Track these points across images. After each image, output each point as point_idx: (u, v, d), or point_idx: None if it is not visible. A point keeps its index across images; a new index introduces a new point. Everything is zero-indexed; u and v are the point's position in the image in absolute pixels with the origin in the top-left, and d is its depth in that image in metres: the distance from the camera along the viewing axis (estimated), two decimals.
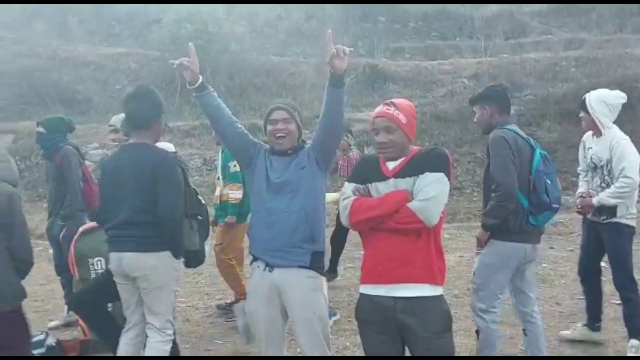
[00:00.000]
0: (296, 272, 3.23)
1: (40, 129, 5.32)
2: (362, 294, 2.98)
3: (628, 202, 4.46)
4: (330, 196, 4.54)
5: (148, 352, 3.59)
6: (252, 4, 19.10)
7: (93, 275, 4.65)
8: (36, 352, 4.32)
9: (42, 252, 7.42)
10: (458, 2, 19.34)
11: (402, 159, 2.90)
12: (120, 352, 3.65)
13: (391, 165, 2.92)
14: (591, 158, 4.59)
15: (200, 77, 3.28)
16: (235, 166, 5.35)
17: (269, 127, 3.33)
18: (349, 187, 2.98)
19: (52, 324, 5.55)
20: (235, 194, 5.45)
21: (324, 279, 3.38)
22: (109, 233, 3.64)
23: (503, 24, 18.36)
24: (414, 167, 2.85)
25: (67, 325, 5.48)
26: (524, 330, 4.09)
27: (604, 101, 4.47)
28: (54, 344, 4.41)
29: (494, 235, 3.87)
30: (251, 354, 4.67)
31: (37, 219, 9.59)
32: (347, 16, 19.16)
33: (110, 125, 5.07)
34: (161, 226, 3.52)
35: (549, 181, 3.83)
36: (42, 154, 5.63)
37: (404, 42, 18.79)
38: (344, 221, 2.97)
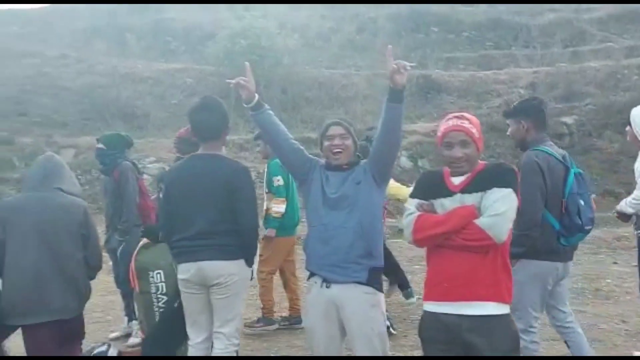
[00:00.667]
0: (354, 288, 3.19)
1: (100, 145, 5.45)
2: (426, 312, 2.90)
3: None
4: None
5: None
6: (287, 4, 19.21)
7: (153, 289, 4.71)
8: None
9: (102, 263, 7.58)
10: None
11: (468, 174, 2.82)
12: None
13: (457, 180, 2.83)
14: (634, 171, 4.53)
15: (257, 95, 3.30)
16: (279, 180, 5.41)
17: (326, 143, 3.31)
18: (412, 203, 2.90)
19: (113, 335, 5.66)
20: (277, 207, 5.49)
21: (382, 295, 3.33)
22: (181, 244, 3.58)
23: (561, 32, 17.93)
24: (481, 183, 2.77)
25: (127, 336, 5.57)
26: (566, 342, 3.98)
27: None
28: (115, 355, 4.47)
29: (523, 254, 3.72)
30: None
31: (99, 230, 9.84)
32: (398, 28, 19.11)
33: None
34: (243, 235, 3.59)
35: (582, 202, 3.71)
36: (101, 169, 5.71)
37: (457, 52, 18.58)
38: (408, 237, 2.90)
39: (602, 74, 15.15)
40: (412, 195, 2.95)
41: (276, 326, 5.62)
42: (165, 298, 4.79)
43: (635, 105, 4.53)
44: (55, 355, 3.50)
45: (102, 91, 16.65)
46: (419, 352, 4.87)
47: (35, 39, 20.41)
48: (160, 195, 4.37)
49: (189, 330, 3.67)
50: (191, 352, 3.65)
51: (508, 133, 4.03)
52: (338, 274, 3.19)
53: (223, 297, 3.61)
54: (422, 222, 2.80)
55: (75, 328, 3.65)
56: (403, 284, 6.22)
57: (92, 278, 3.77)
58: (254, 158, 14.63)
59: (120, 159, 5.40)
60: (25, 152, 14.53)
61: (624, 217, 4.51)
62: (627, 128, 4.53)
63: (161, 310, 4.71)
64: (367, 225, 3.21)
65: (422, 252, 8.19)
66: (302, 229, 5.62)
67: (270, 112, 3.35)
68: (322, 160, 3.41)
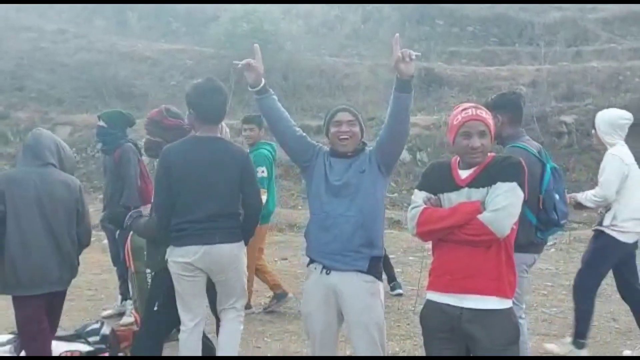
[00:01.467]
0: (354, 277, 3.15)
1: (101, 123, 5.32)
2: (428, 300, 2.89)
3: (615, 212, 4.46)
4: None
5: (230, 330, 3.67)
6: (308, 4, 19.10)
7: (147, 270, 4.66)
8: (91, 339, 4.37)
9: (95, 242, 7.50)
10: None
11: (476, 167, 2.78)
12: (193, 347, 3.60)
13: (464, 173, 2.80)
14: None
15: (263, 80, 3.24)
16: (263, 172, 5.43)
17: (333, 129, 3.25)
18: (419, 195, 2.88)
19: (106, 312, 5.61)
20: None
21: (381, 284, 3.29)
22: (185, 226, 3.49)
23: (565, 31, 17.84)
24: (488, 177, 2.74)
25: (120, 314, 5.52)
26: None
27: (609, 122, 4.56)
28: (107, 333, 4.44)
29: None
30: (300, 354, 4.59)
31: (91, 209, 9.71)
32: (403, 19, 18.95)
33: None
34: (249, 217, 3.67)
35: (557, 196, 3.77)
36: (101, 148, 5.58)
37: (461, 47, 18.46)
38: (411, 230, 2.88)
39: (603, 75, 15.10)
40: (419, 187, 2.93)
41: (290, 295, 5.80)
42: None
43: (636, 107, 4.61)
44: (45, 324, 3.72)
45: (100, 69, 16.47)
46: (410, 342, 4.89)
47: (34, 12, 20.15)
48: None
49: (182, 314, 3.58)
50: (184, 338, 3.58)
51: None
52: (339, 261, 3.15)
53: (233, 280, 3.64)
54: (426, 216, 2.79)
55: (61, 299, 3.91)
56: (390, 277, 6.37)
57: (79, 254, 3.95)
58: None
59: (123, 139, 5.31)
60: (20, 128, 14.42)
61: (580, 207, 4.62)
62: (593, 131, 4.72)
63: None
64: (369, 214, 3.17)
65: (417, 244, 8.24)
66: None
67: (275, 97, 3.31)
68: (326, 147, 3.36)
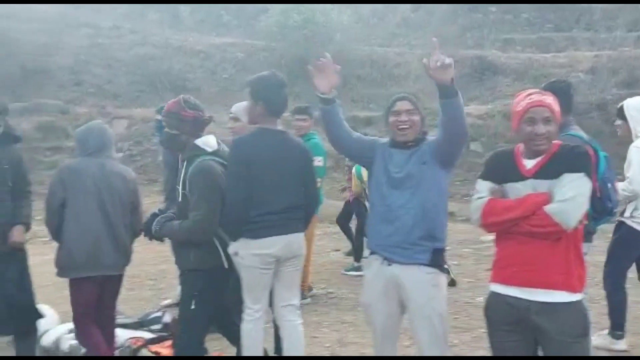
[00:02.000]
0: (415, 268, 3.10)
1: (160, 117, 5.37)
2: (493, 292, 2.81)
3: (637, 203, 4.43)
4: None
5: (296, 335, 3.64)
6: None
7: None
8: (153, 327, 4.46)
9: None
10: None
11: (541, 157, 2.69)
12: (259, 336, 3.59)
13: (529, 163, 2.71)
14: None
15: (334, 90, 3.23)
16: (320, 161, 5.41)
17: (392, 118, 3.18)
18: (483, 185, 2.79)
19: (165, 302, 5.71)
20: None
21: (444, 275, 3.23)
22: (265, 218, 3.45)
23: (624, 15, 17.18)
24: (554, 168, 2.64)
25: (179, 303, 5.60)
26: None
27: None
28: (169, 321, 4.52)
29: None
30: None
31: (148, 201, 9.95)
32: (455, 7, 18.62)
33: (230, 114, 5.08)
34: (310, 208, 3.72)
35: (609, 185, 3.73)
36: (160, 141, 5.65)
37: (515, 34, 18.00)
38: (476, 222, 2.81)
39: None
40: (483, 177, 2.84)
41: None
42: None
43: None
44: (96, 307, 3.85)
45: (154, 63, 16.80)
46: (468, 334, 4.80)
47: (90, 9, 20.69)
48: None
49: (251, 304, 3.55)
50: (249, 328, 3.55)
51: None
52: (400, 255, 3.12)
53: (297, 269, 3.68)
54: (491, 207, 2.71)
55: (116, 286, 4.00)
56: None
57: (132, 243, 4.08)
58: None
59: None
60: (79, 122, 14.80)
61: None
62: (618, 122, 4.59)
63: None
64: (431, 207, 3.11)
65: (474, 235, 8.06)
66: None
67: (341, 106, 3.31)
68: (382, 139, 3.33)
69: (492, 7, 18.84)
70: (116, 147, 4.17)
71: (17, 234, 4.00)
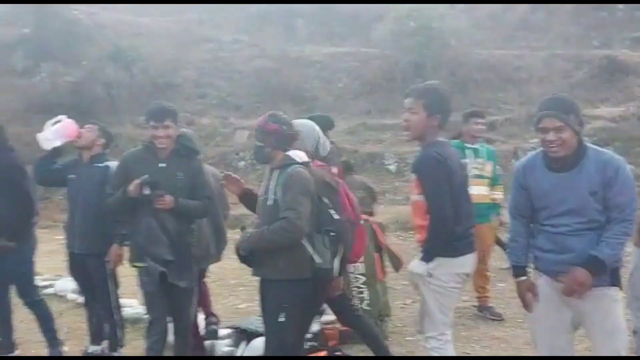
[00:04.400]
0: (594, 289, 2.93)
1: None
2: None
3: None
4: None
5: None
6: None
7: (351, 269, 4.79)
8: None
9: None
10: None
11: None
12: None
13: None
14: None
15: None
16: (498, 168, 5.51)
17: (540, 135, 3.00)
18: None
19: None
20: (499, 194, 5.62)
21: (619, 289, 3.05)
22: (469, 233, 3.39)
23: None
24: None
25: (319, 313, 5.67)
26: (634, 331, 3.77)
27: None
28: (317, 331, 4.58)
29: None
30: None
31: None
32: (578, 6, 17.75)
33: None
34: None
35: None
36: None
37: None
38: None
39: None
40: None
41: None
42: (363, 278, 4.86)
43: None
44: None
45: (273, 75, 17.28)
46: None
47: (212, 24, 21.66)
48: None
49: (445, 330, 3.35)
50: (448, 349, 3.37)
51: None
52: None
53: None
54: None
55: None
56: None
57: None
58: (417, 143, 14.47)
59: None
60: (203, 133, 15.53)
61: None
62: None
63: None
64: (600, 228, 2.93)
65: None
66: None
67: None
68: (526, 155, 3.19)
69: (619, 5, 17.80)
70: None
71: None
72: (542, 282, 3.12)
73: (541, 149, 3.07)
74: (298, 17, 20.39)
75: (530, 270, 3.21)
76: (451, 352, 3.38)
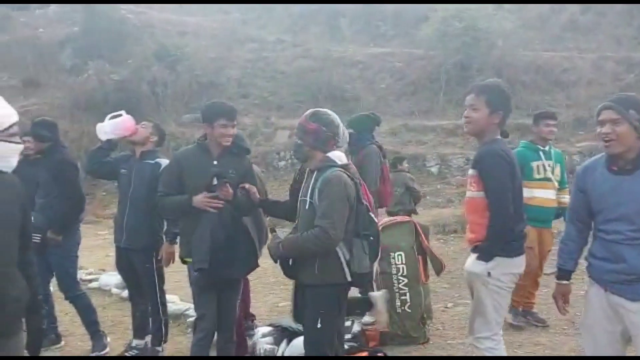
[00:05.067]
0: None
1: (350, 130, 5.43)
2: None
3: None
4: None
5: None
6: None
7: (394, 270, 4.75)
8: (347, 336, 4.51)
9: None
10: None
11: None
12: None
13: None
14: None
15: None
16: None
17: (597, 129, 2.90)
18: None
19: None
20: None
21: None
22: (524, 233, 3.34)
23: None
24: None
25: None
26: None
27: None
28: (357, 331, 4.56)
29: None
30: None
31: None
32: (630, 7, 17.24)
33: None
34: None
35: None
36: (348, 149, 5.73)
37: None
38: None
39: None
40: None
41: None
42: (405, 280, 4.81)
43: None
44: None
45: (315, 75, 17.29)
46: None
47: (256, 24, 21.83)
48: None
49: (498, 330, 3.33)
50: (502, 348, 3.34)
51: None
52: (624, 291, 2.84)
53: None
54: None
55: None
56: None
57: None
58: (463, 144, 14.26)
59: (369, 140, 5.40)
60: (245, 133, 15.64)
61: None
62: None
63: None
64: None
65: None
66: None
67: None
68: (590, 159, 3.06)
69: None
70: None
71: None
72: (594, 291, 3.00)
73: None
74: (342, 17, 20.33)
75: (584, 278, 3.10)
76: (504, 352, 3.32)
